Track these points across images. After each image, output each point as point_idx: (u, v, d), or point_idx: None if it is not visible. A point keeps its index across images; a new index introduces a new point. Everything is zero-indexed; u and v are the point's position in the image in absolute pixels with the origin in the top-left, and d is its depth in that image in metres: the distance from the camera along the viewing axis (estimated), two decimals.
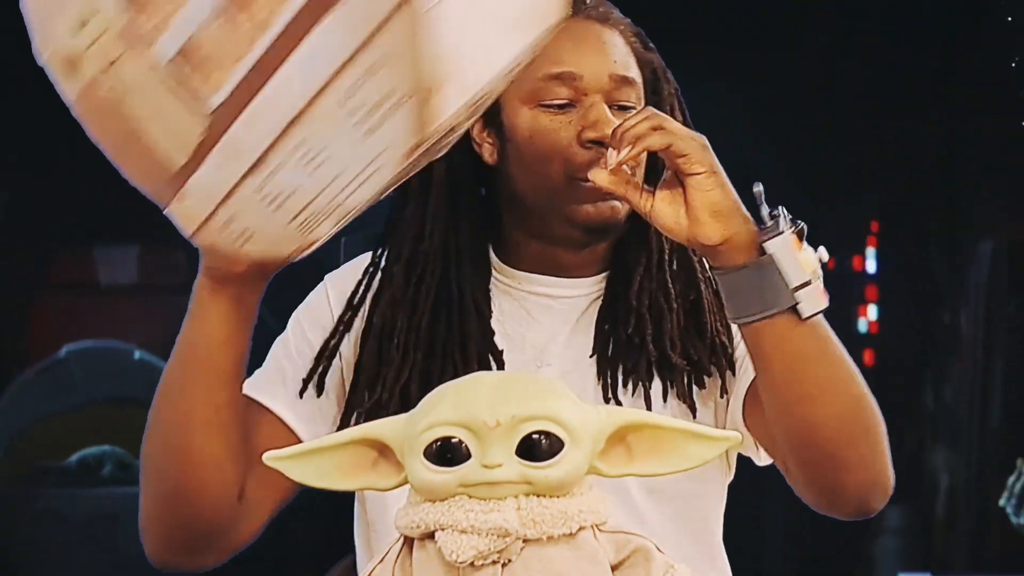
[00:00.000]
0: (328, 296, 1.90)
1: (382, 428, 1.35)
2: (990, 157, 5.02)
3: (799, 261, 1.62)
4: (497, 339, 1.80)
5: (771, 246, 1.63)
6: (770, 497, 5.36)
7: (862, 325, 5.32)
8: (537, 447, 1.28)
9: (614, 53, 1.78)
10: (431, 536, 1.30)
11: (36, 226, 5.31)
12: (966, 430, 4.90)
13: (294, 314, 1.93)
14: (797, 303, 1.62)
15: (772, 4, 5.25)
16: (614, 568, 1.31)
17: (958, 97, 5.20)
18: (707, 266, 1.75)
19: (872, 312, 5.36)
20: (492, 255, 1.84)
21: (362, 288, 1.86)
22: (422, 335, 1.78)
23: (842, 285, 5.61)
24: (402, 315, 1.79)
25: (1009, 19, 4.54)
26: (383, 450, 1.35)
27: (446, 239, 1.80)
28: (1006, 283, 4.81)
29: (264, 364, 1.90)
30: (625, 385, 1.78)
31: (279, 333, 1.94)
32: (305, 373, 1.86)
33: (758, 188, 1.66)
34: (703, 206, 1.63)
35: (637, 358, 1.77)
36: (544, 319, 1.81)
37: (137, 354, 4.89)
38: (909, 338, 5.39)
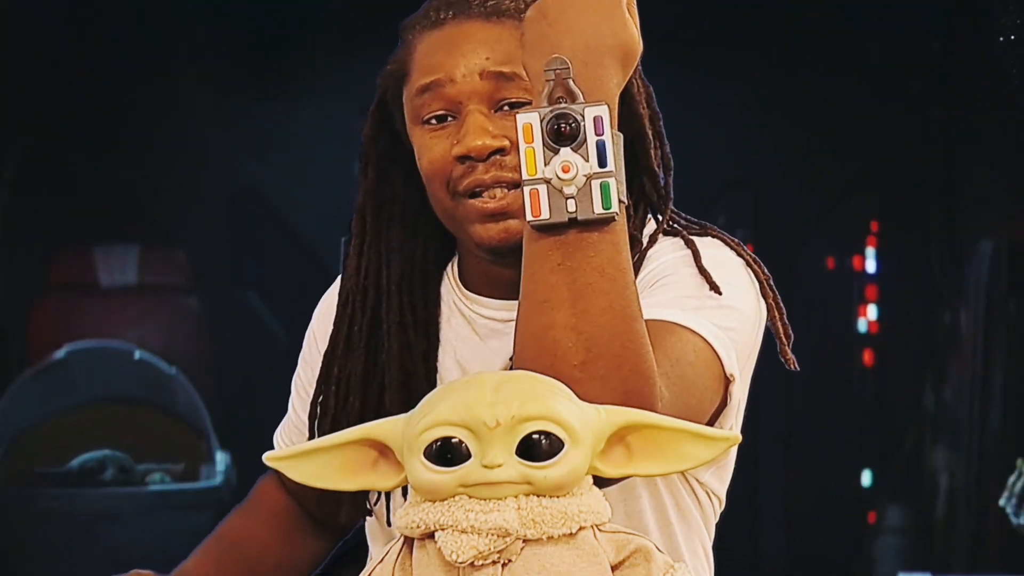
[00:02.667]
0: (315, 336, 1.88)
1: (382, 428, 1.35)
2: (990, 157, 5.02)
3: (522, 152, 1.41)
4: (449, 363, 1.74)
5: (521, 118, 1.42)
6: (770, 496, 5.37)
7: (862, 325, 5.33)
8: (537, 447, 1.28)
9: (491, 49, 1.64)
10: (431, 536, 1.30)
11: (36, 226, 5.32)
12: (966, 430, 4.90)
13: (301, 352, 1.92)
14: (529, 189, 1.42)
15: (772, 4, 5.26)
16: (614, 568, 1.31)
17: (958, 97, 5.20)
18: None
19: (872, 312, 5.37)
20: (455, 276, 1.78)
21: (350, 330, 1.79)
22: (358, 381, 1.74)
23: (842, 285, 5.61)
24: (336, 362, 1.75)
25: (1008, 17, 4.54)
26: (383, 450, 1.35)
27: (378, 271, 1.75)
28: (1006, 283, 4.81)
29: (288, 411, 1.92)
30: None
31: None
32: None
33: (549, 60, 1.43)
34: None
35: None
36: (493, 343, 1.74)
37: (137, 354, 4.89)
38: (909, 338, 5.40)
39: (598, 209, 1.40)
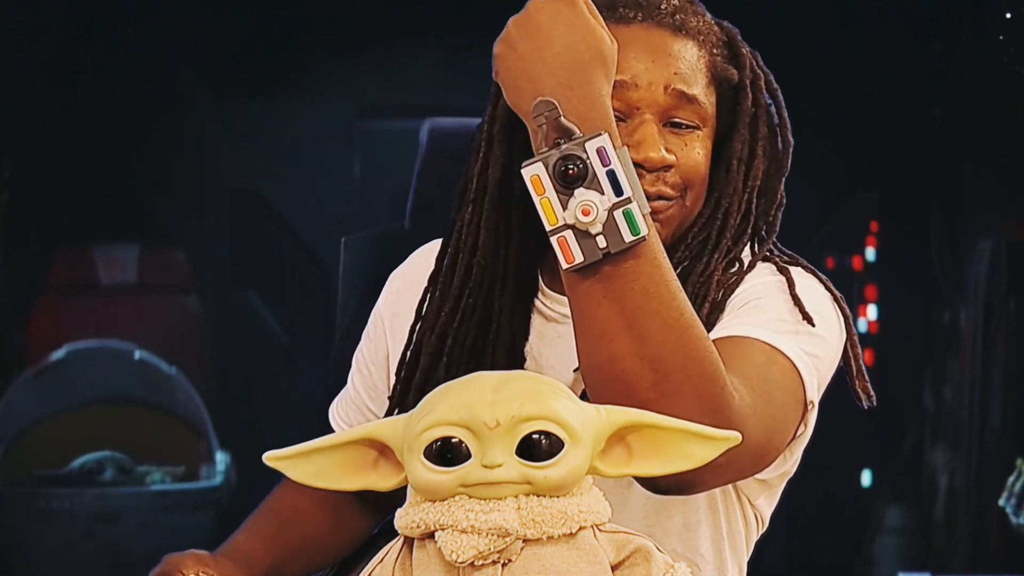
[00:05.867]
0: (382, 315, 1.87)
1: (382, 428, 1.35)
2: (990, 157, 5.02)
3: (538, 206, 1.43)
4: (527, 363, 1.73)
5: (527, 168, 1.43)
6: None
7: (862, 325, 5.33)
8: (537, 447, 1.28)
9: (678, 65, 1.64)
10: (431, 536, 1.30)
11: (36, 226, 5.32)
12: (966, 430, 4.90)
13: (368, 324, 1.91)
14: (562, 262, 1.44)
15: (772, 4, 5.25)
16: (614, 568, 1.31)
17: (958, 96, 5.20)
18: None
19: (872, 312, 5.37)
20: (540, 275, 1.76)
21: (433, 303, 1.77)
22: (465, 354, 1.72)
23: (842, 285, 5.61)
24: (451, 333, 1.72)
25: (1008, 15, 4.54)
26: (383, 450, 1.35)
27: (496, 253, 1.71)
28: (1006, 283, 4.81)
29: (346, 387, 1.91)
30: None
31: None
32: (372, 387, 1.86)
33: (536, 104, 1.46)
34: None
35: None
36: (571, 342, 1.68)
37: (137, 354, 4.89)
38: (909, 338, 5.39)
39: (628, 238, 1.42)
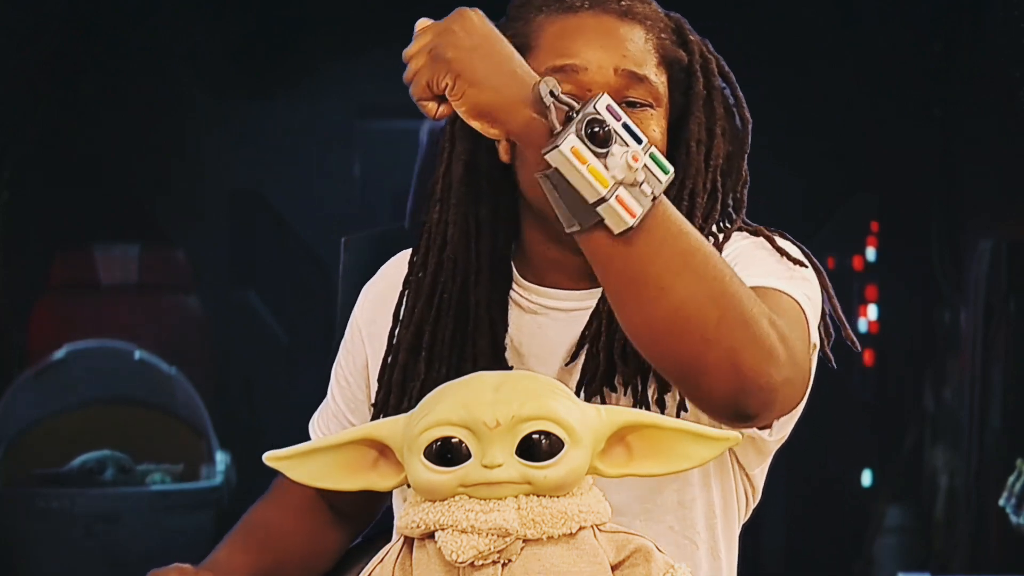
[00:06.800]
0: (359, 324, 1.86)
1: (382, 428, 1.35)
2: (990, 157, 5.02)
3: (585, 175, 1.42)
4: (508, 354, 1.73)
5: (551, 159, 1.43)
6: (770, 496, 5.37)
7: (862, 325, 5.33)
8: (537, 447, 1.28)
9: (626, 48, 1.67)
10: (431, 536, 1.30)
11: (36, 226, 5.32)
12: (966, 430, 4.90)
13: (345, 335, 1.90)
14: (602, 219, 1.44)
15: (772, 3, 5.26)
16: (614, 568, 1.31)
17: (958, 96, 5.20)
18: None
19: (872, 312, 5.37)
20: (513, 267, 1.76)
21: (407, 300, 1.78)
22: (445, 348, 1.72)
23: (842, 285, 5.61)
24: (428, 328, 1.73)
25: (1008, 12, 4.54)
26: (383, 450, 1.35)
27: (467, 247, 1.72)
28: (1006, 283, 4.81)
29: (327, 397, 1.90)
30: (588, 398, 1.66)
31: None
32: (351, 398, 1.86)
33: (541, 85, 1.47)
34: (463, 114, 1.48)
35: (596, 367, 1.68)
36: (552, 333, 1.74)
37: (137, 354, 4.89)
38: (909, 338, 5.40)
39: (663, 178, 1.45)
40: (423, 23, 1.52)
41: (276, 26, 5.64)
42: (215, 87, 5.62)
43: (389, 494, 1.81)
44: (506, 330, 1.74)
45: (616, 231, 1.43)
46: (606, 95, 1.45)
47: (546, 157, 1.42)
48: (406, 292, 1.76)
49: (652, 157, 1.44)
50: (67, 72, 5.30)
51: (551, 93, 1.45)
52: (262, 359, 5.47)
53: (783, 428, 1.72)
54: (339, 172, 5.77)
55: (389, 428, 1.34)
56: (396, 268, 1.82)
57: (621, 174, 1.42)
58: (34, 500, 4.66)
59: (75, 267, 5.26)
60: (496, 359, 1.70)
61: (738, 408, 1.47)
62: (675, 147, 1.69)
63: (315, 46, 5.58)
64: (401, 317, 1.75)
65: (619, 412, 1.35)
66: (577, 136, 1.42)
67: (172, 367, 4.91)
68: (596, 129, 1.43)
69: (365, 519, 1.92)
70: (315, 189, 5.66)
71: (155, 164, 5.42)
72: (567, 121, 1.43)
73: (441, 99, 1.48)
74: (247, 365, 5.51)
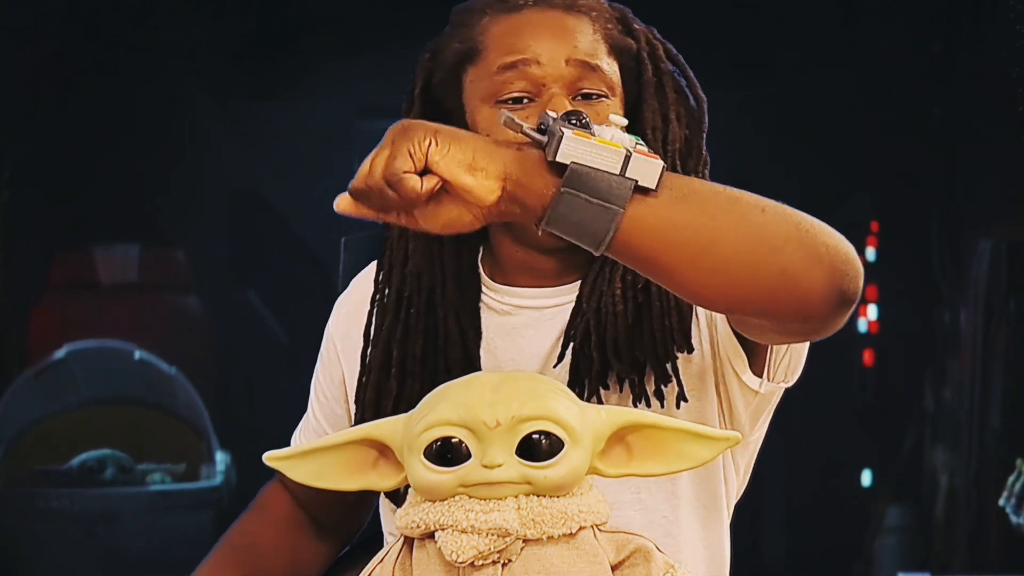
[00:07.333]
0: (334, 339, 1.87)
1: (382, 428, 1.35)
2: (990, 157, 5.02)
3: (599, 146, 1.40)
4: (484, 361, 1.73)
5: (564, 154, 1.39)
6: (770, 497, 5.37)
7: (862, 325, 5.33)
8: (537, 447, 1.28)
9: (576, 39, 1.67)
10: (431, 536, 1.30)
11: (36, 226, 5.32)
12: (966, 430, 4.90)
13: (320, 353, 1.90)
14: (636, 181, 1.40)
15: (771, 4, 5.25)
16: (614, 568, 1.31)
17: (958, 97, 5.20)
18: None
19: (872, 312, 5.37)
20: (481, 270, 1.76)
21: (374, 320, 1.77)
22: (417, 364, 1.71)
23: None
24: (396, 346, 1.72)
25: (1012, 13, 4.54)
26: (383, 450, 1.35)
27: (430, 259, 1.72)
28: (1006, 283, 4.81)
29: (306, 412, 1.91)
30: (583, 396, 1.64)
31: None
32: (331, 413, 1.86)
33: (505, 116, 1.44)
34: (455, 178, 1.39)
35: (589, 366, 1.67)
36: (529, 333, 1.74)
37: (137, 354, 4.89)
38: (909, 338, 5.39)
39: (646, 147, 1.45)
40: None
41: (276, 26, 5.64)
42: (215, 87, 5.62)
43: (372, 506, 1.81)
44: (479, 338, 1.73)
45: (654, 181, 1.40)
46: (549, 112, 1.44)
47: (557, 159, 1.39)
48: (373, 311, 1.75)
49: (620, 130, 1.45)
50: (67, 72, 5.30)
51: (513, 120, 1.43)
52: (262, 359, 5.47)
53: (790, 368, 1.71)
54: (339, 172, 5.76)
55: (389, 428, 1.35)
56: (367, 283, 1.81)
57: (618, 132, 1.42)
58: (34, 500, 4.66)
59: (75, 267, 5.26)
60: (470, 370, 1.69)
61: (843, 291, 1.47)
62: (632, 134, 1.69)
63: (315, 46, 5.58)
64: (371, 336, 1.75)
65: (619, 412, 1.35)
66: (567, 129, 1.41)
67: (172, 367, 4.91)
68: (574, 120, 1.43)
69: (348, 532, 1.92)
70: (315, 189, 5.65)
71: (155, 164, 5.41)
72: (547, 130, 1.41)
73: (422, 174, 1.40)
74: (247, 365, 5.51)
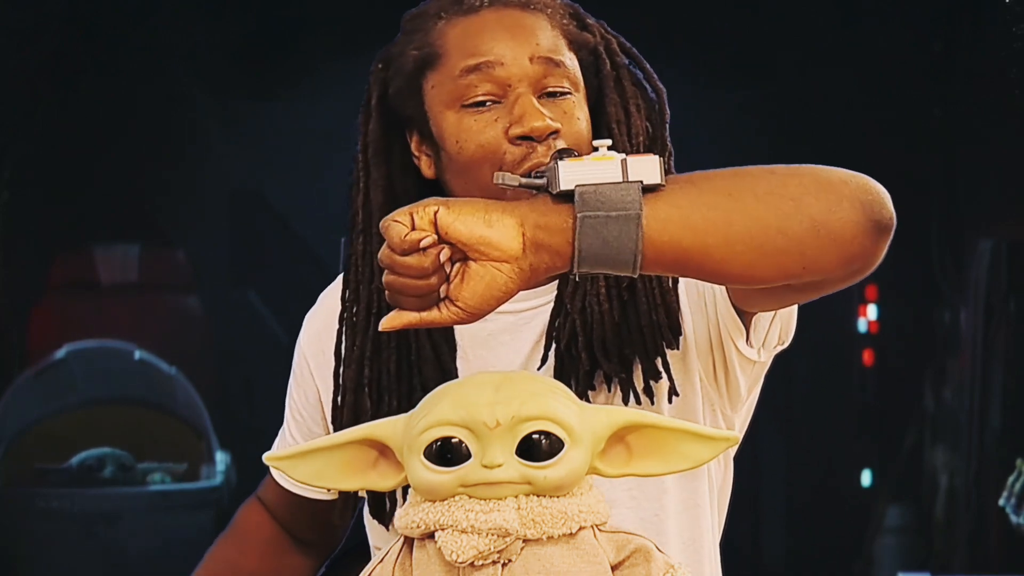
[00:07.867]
0: (306, 358, 1.84)
1: (382, 428, 1.35)
2: (990, 157, 5.02)
3: (595, 163, 1.40)
4: (460, 371, 1.70)
5: (566, 180, 1.38)
6: (770, 497, 5.37)
7: (862, 325, 5.33)
8: (537, 447, 1.28)
9: (537, 36, 1.65)
10: (431, 536, 1.30)
11: (36, 226, 5.32)
12: (966, 430, 4.90)
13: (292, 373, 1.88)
14: (642, 181, 1.39)
15: (772, 5, 5.25)
16: (614, 568, 1.31)
17: (958, 97, 5.20)
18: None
19: (872, 312, 5.37)
20: None
21: (344, 339, 1.74)
22: (392, 381, 1.69)
23: None
24: (368, 364, 1.69)
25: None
26: (383, 450, 1.35)
27: None
28: (1006, 283, 4.81)
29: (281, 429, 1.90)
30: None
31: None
32: (308, 432, 1.84)
33: (496, 177, 1.44)
34: (472, 232, 1.37)
35: (575, 367, 1.65)
36: (506, 338, 1.71)
37: (137, 354, 4.89)
38: (909, 338, 5.40)
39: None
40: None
41: (276, 26, 5.64)
42: (215, 87, 5.62)
43: (351, 522, 1.81)
44: (454, 350, 1.71)
45: (657, 175, 1.40)
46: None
47: (561, 187, 1.38)
48: (343, 330, 1.72)
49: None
50: (67, 72, 5.30)
51: (505, 178, 1.43)
52: (262, 359, 5.46)
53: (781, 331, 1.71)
54: (339, 172, 5.76)
55: (389, 428, 1.34)
56: (335, 299, 1.77)
57: (610, 153, 1.42)
58: (34, 500, 4.66)
59: (75, 267, 5.26)
60: (446, 379, 1.64)
61: (876, 219, 1.62)
62: (597, 132, 1.67)
63: (315, 46, 5.57)
64: (343, 356, 1.72)
65: (619, 412, 1.35)
66: (562, 160, 1.40)
67: (172, 367, 4.91)
68: (564, 155, 1.44)
69: (328, 545, 1.91)
70: (315, 189, 5.66)
71: (155, 164, 5.41)
72: (542, 174, 1.41)
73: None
74: (247, 365, 5.51)
